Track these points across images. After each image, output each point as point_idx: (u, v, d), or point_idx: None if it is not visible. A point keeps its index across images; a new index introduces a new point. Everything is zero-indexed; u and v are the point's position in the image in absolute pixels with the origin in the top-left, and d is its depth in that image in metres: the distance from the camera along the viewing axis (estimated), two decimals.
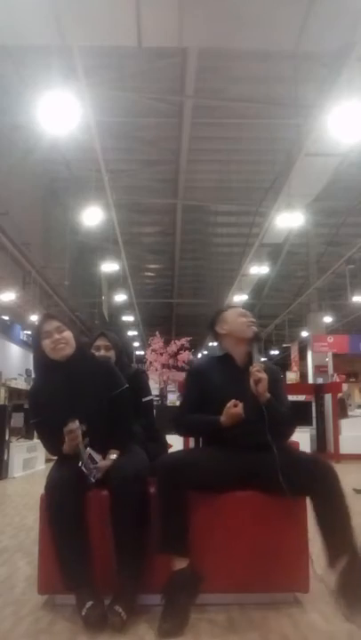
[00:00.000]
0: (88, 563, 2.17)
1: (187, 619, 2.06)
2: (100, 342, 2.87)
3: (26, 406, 8.78)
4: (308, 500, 2.26)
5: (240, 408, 2.29)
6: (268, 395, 2.33)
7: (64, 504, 2.19)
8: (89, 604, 2.05)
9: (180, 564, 2.15)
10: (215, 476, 2.27)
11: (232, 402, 2.30)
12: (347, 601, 2.03)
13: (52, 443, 2.41)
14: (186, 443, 7.81)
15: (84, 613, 2.04)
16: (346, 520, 2.15)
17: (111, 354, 2.83)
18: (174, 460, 2.28)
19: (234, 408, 2.29)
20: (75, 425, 2.27)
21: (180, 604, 2.07)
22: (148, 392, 3.00)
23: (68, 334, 2.40)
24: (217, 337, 2.61)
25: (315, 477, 2.18)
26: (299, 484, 2.19)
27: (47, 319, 2.44)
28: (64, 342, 2.39)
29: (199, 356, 26.59)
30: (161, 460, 2.30)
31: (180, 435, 2.72)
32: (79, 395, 2.38)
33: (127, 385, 2.51)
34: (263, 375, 2.33)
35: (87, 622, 2.02)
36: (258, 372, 2.34)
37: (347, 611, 2.02)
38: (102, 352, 2.82)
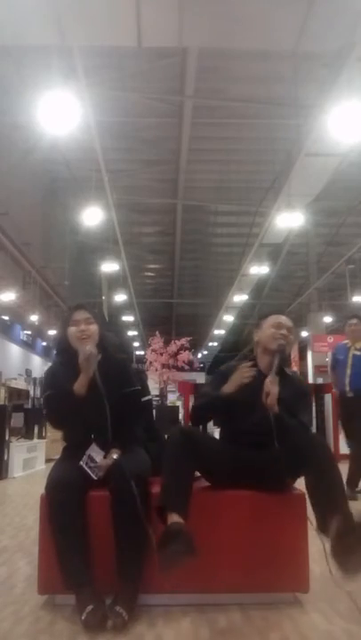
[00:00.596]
0: (88, 562, 2.17)
1: (187, 558, 2.00)
2: None
3: (26, 406, 8.79)
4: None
5: (249, 372, 2.38)
6: (275, 409, 2.32)
7: (65, 503, 2.19)
8: (89, 608, 2.04)
9: (172, 518, 2.10)
10: (219, 459, 2.34)
11: (248, 364, 2.42)
12: (341, 561, 2.05)
13: (60, 415, 2.45)
14: None
15: (83, 617, 2.03)
16: (338, 484, 2.21)
17: None
18: (191, 428, 2.51)
19: (246, 368, 2.39)
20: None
21: (179, 546, 2.00)
22: (147, 392, 3.00)
23: (93, 327, 2.46)
24: (255, 342, 2.67)
25: (310, 456, 2.24)
26: (297, 468, 2.27)
27: (78, 308, 2.51)
28: (88, 334, 2.43)
29: (199, 356, 26.56)
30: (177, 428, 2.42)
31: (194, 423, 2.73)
32: (93, 387, 2.40)
33: (139, 387, 2.55)
34: (273, 389, 2.32)
35: (87, 626, 2.02)
36: (270, 382, 2.34)
37: (342, 571, 2.05)
38: None
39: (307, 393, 2.68)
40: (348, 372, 4.87)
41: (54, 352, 2.63)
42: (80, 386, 2.37)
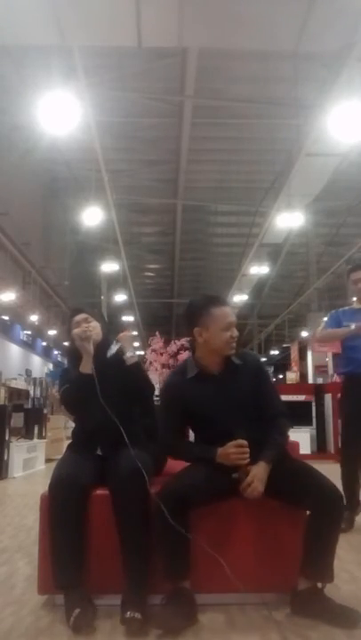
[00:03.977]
0: (81, 564, 2.17)
1: (186, 625, 2.04)
2: None
3: (26, 406, 8.79)
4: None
5: (238, 450, 2.15)
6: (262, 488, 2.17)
7: (66, 502, 2.19)
8: (76, 612, 2.02)
9: (183, 584, 2.13)
10: (219, 493, 2.22)
11: (236, 442, 2.15)
12: (318, 614, 2.08)
13: (76, 401, 2.51)
14: None
15: (72, 623, 2.01)
16: (333, 549, 2.16)
17: None
18: (174, 491, 2.12)
19: (234, 449, 2.15)
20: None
21: (179, 614, 2.05)
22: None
23: (93, 324, 2.56)
24: (192, 339, 2.34)
25: (321, 500, 2.13)
26: (303, 502, 2.18)
27: (77, 312, 2.64)
28: (89, 330, 2.51)
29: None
30: (161, 491, 2.16)
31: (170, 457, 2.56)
32: (101, 381, 2.43)
33: (153, 388, 2.67)
34: (255, 493, 2.15)
35: (75, 630, 2.00)
36: (251, 483, 2.13)
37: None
38: None
39: (266, 373, 2.47)
40: None
41: (67, 359, 2.74)
42: (85, 366, 2.47)
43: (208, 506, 2.21)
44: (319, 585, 2.15)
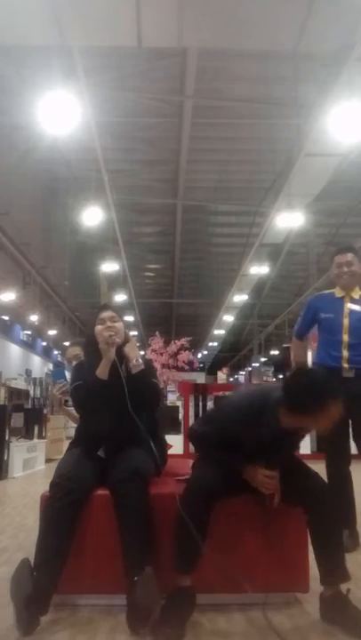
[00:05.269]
0: (58, 577, 2.13)
1: (183, 631, 2.03)
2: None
3: (26, 406, 8.80)
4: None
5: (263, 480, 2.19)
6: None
7: (66, 505, 2.18)
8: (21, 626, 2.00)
9: (184, 581, 2.14)
10: (239, 487, 2.24)
11: (268, 473, 2.19)
12: (338, 622, 2.07)
13: (87, 401, 2.48)
14: (185, 444, 7.82)
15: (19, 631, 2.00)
16: (338, 548, 2.17)
17: None
18: (207, 482, 2.17)
19: (262, 478, 2.18)
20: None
21: (177, 618, 2.06)
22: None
23: (119, 325, 2.54)
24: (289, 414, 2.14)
25: (310, 495, 2.17)
26: (299, 503, 2.21)
27: (104, 308, 2.61)
28: (115, 331, 2.49)
29: (199, 356, 26.44)
30: (192, 481, 2.20)
31: (192, 444, 2.56)
32: (115, 381, 2.42)
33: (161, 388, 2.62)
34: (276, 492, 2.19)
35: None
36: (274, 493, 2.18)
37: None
38: None
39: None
40: (346, 338, 3.08)
41: (85, 352, 2.70)
42: (102, 370, 2.44)
43: (229, 498, 2.23)
44: (343, 591, 2.13)
